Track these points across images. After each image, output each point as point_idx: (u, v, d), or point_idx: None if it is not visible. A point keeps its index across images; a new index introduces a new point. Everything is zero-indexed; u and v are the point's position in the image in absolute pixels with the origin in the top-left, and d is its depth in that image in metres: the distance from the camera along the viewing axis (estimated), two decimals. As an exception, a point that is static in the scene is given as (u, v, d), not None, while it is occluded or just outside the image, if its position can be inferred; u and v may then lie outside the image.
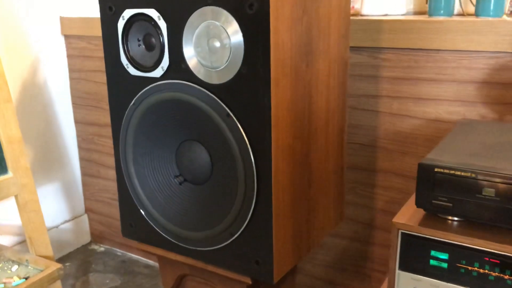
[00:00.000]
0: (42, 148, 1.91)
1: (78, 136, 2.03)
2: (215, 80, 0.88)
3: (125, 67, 0.99)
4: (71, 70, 1.95)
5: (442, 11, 1.32)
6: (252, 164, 0.88)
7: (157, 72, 0.95)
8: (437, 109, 1.25)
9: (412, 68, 1.25)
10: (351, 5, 1.41)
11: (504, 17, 1.24)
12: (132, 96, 1.00)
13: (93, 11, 1.89)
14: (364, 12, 1.50)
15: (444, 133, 1.25)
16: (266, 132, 0.85)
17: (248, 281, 0.95)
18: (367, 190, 1.41)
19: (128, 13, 0.96)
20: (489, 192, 0.69)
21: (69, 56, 1.93)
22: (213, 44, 0.87)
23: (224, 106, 0.88)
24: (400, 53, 1.26)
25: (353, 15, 1.42)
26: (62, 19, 1.88)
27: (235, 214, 0.92)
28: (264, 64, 0.82)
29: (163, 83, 0.95)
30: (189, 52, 0.90)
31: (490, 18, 1.19)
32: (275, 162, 0.88)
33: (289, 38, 0.86)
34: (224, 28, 0.85)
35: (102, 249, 2.08)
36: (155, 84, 0.96)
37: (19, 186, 1.32)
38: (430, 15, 1.34)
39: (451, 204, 0.72)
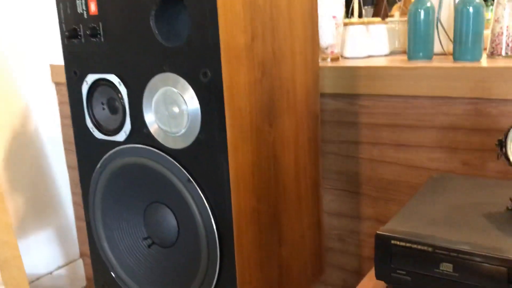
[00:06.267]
0: (34, 194, 1.91)
1: (71, 181, 2.03)
2: (175, 145, 0.87)
3: (91, 130, 0.99)
4: (63, 117, 1.96)
5: (421, 54, 1.30)
6: (213, 230, 0.86)
7: (121, 136, 0.94)
8: (418, 156, 1.22)
9: (390, 114, 1.23)
10: (330, 50, 1.41)
11: (483, 59, 1.22)
12: (99, 159, 0.99)
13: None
14: (346, 54, 1.49)
15: (426, 180, 1.21)
16: (226, 198, 0.84)
17: None
18: (353, 237, 1.37)
19: (91, 78, 0.96)
20: (446, 267, 0.66)
21: (60, 103, 1.95)
22: (172, 109, 0.86)
23: (184, 171, 0.87)
24: (378, 100, 1.24)
25: (333, 59, 1.41)
26: (52, 67, 1.90)
27: (199, 282, 0.90)
28: (220, 131, 0.81)
29: (126, 147, 0.94)
30: (150, 117, 0.90)
31: (467, 63, 1.17)
32: (237, 227, 0.85)
33: (248, 102, 0.85)
34: (181, 95, 0.84)
35: (96, 294, 2.06)
36: (118, 148, 0.95)
37: None
38: (409, 58, 1.32)
39: (410, 278, 0.69)
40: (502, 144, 0.76)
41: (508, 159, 0.76)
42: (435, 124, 1.19)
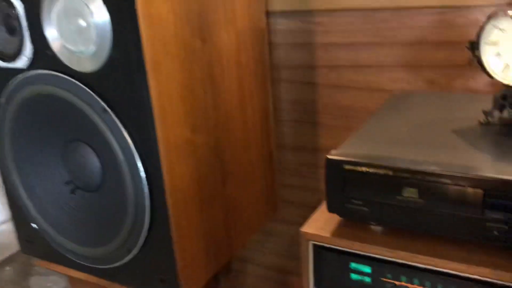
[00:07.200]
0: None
1: (6, 128, 1.85)
2: (85, 67, 0.72)
3: (-13, 57, 0.81)
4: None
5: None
6: (138, 168, 0.72)
7: (22, 62, 0.78)
8: (379, 77, 1.09)
9: (348, 32, 1.09)
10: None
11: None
12: (1, 92, 0.82)
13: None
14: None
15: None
16: (150, 129, 0.69)
17: (157, 300, 0.81)
18: (312, 171, 1.26)
19: (-23, -10, 0.77)
20: (410, 192, 0.55)
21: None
22: (77, 23, 0.69)
23: (98, 98, 0.71)
24: (334, 16, 1.09)
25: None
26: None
27: (129, 228, 0.77)
28: (136, 46, 0.66)
29: (30, 75, 0.78)
30: (52, 33, 0.73)
31: (432, -33, 1.02)
32: (168, 163, 0.72)
33: (171, 8, 0.69)
34: (85, 3, 0.67)
35: (47, 247, 1.93)
36: (21, 76, 0.79)
37: None
38: (369, -33, 1.16)
39: (367, 209, 0.58)
40: (475, 46, 0.63)
41: (481, 64, 0.64)
42: (397, 40, 1.05)
